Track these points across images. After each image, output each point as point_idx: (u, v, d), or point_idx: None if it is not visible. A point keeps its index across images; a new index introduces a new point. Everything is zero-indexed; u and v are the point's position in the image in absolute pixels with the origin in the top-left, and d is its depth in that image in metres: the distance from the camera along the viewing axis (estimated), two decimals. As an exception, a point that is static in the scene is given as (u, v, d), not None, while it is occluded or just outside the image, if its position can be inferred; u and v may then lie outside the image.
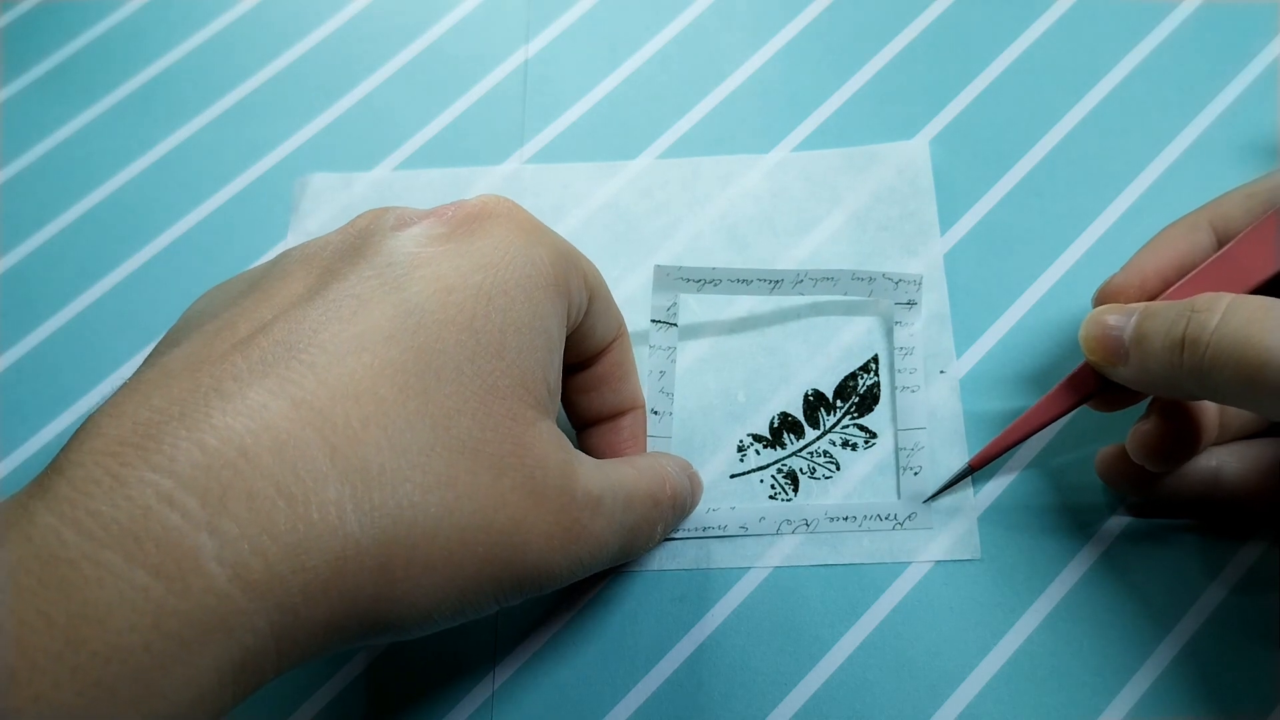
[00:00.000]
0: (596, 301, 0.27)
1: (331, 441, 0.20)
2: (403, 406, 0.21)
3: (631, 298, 0.35)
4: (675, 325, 0.33)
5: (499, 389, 0.22)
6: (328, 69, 0.41)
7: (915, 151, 0.36)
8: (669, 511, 0.28)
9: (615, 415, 0.30)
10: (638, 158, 0.37)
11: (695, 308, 0.34)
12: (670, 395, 0.33)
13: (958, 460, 0.31)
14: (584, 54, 0.40)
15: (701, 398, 0.33)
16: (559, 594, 0.31)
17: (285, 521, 0.19)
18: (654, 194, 0.37)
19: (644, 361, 0.33)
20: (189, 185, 0.39)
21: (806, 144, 0.37)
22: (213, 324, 0.22)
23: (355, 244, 0.24)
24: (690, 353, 0.34)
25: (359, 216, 0.25)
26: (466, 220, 0.24)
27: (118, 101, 0.41)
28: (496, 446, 0.22)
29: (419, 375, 0.21)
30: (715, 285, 0.32)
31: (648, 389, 0.32)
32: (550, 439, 0.24)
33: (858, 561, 0.31)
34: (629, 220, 0.36)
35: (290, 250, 0.25)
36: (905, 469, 0.31)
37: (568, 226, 0.36)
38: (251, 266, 0.27)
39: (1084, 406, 0.29)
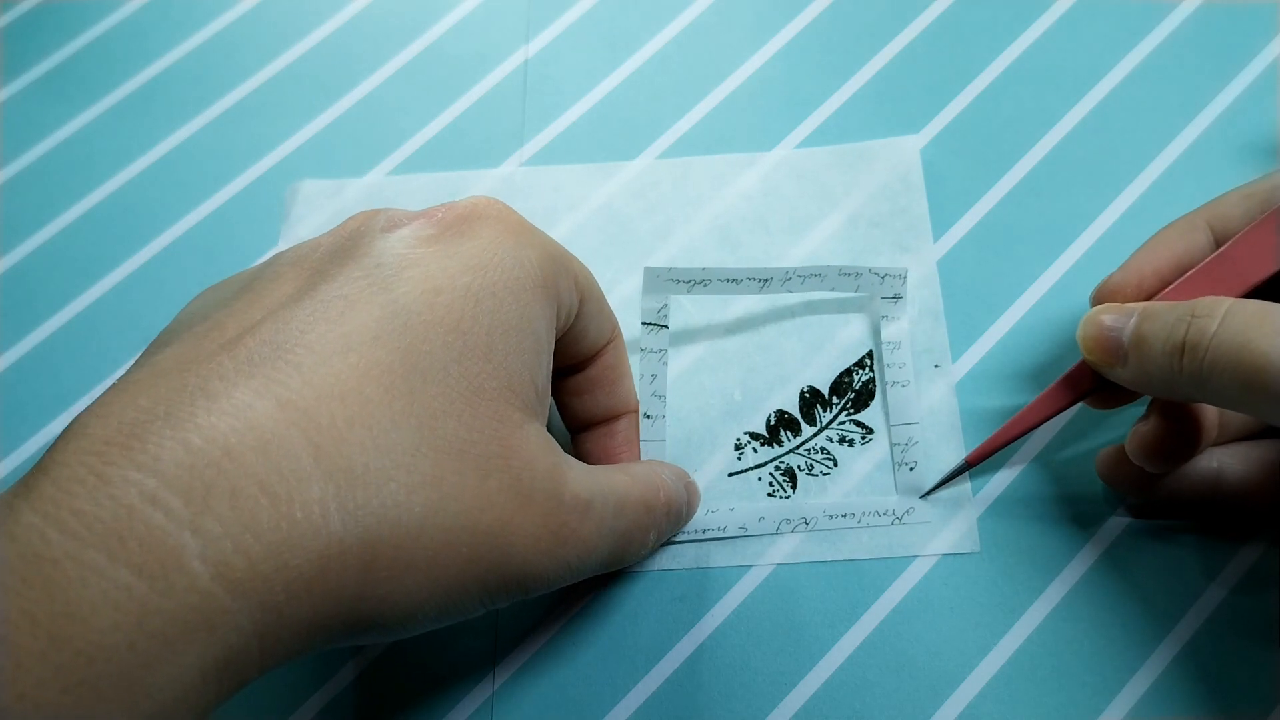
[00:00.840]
0: (588, 304, 0.27)
1: (316, 441, 0.20)
2: (388, 407, 0.21)
3: (627, 301, 0.35)
4: (666, 327, 0.33)
5: (486, 391, 0.22)
6: (328, 69, 0.41)
7: (905, 148, 0.36)
8: (663, 519, 0.28)
9: (609, 419, 0.30)
10: (637, 158, 0.38)
11: (690, 308, 0.34)
12: (663, 398, 0.33)
13: (954, 455, 0.31)
14: (584, 54, 0.40)
15: (698, 397, 0.33)
16: (558, 595, 0.31)
17: (268, 520, 0.19)
18: (646, 195, 0.37)
19: (636, 365, 0.33)
20: (189, 186, 0.39)
21: (806, 144, 0.37)
22: (203, 325, 0.22)
23: (345, 245, 0.24)
24: (686, 353, 0.34)
25: (350, 218, 0.25)
26: (456, 222, 0.24)
27: (118, 101, 0.41)
28: (483, 448, 0.22)
29: (405, 376, 0.21)
30: (705, 285, 0.32)
31: (640, 392, 0.32)
32: (538, 441, 0.24)
33: (857, 557, 0.31)
34: (621, 222, 0.36)
35: (283, 252, 0.25)
36: (900, 464, 0.31)
37: (561, 230, 0.36)
38: (246, 268, 0.27)
39: (1083, 404, 0.29)
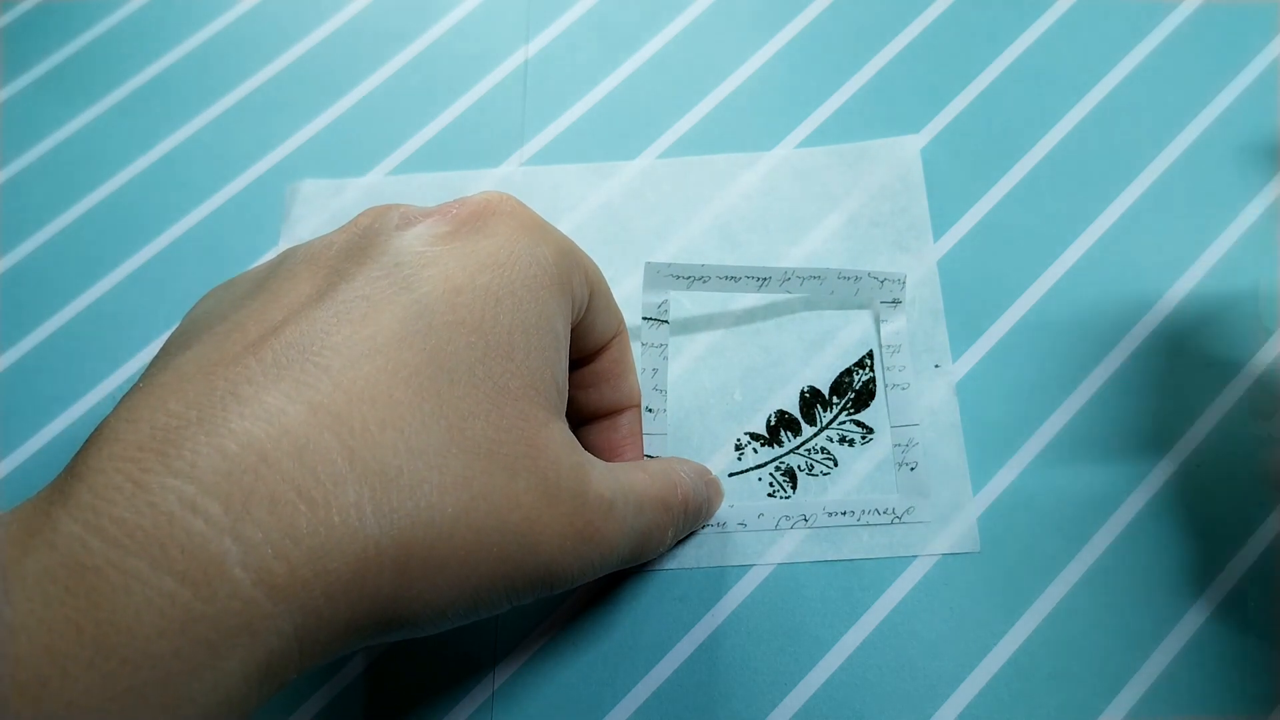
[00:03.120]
0: (597, 298, 0.27)
1: (349, 445, 0.20)
2: (418, 409, 0.21)
3: (627, 300, 0.35)
4: (667, 322, 0.33)
5: (510, 390, 0.23)
6: (328, 69, 0.41)
7: (905, 147, 0.36)
8: (680, 517, 0.28)
9: (613, 412, 0.30)
10: (638, 158, 0.38)
11: (690, 307, 0.35)
12: (664, 392, 0.33)
13: (954, 455, 0.31)
14: (584, 54, 0.40)
15: (698, 397, 0.33)
16: (559, 595, 0.31)
17: (307, 525, 0.19)
18: (646, 195, 0.37)
19: (637, 359, 0.33)
20: (189, 186, 0.39)
21: (806, 144, 0.37)
22: (222, 325, 0.22)
23: (360, 243, 0.24)
24: (687, 352, 0.34)
25: (361, 215, 0.25)
26: (471, 218, 0.24)
27: (118, 101, 0.41)
28: (510, 448, 0.22)
29: (432, 378, 0.21)
30: (704, 282, 0.33)
31: (641, 386, 0.32)
32: (562, 441, 0.24)
33: (857, 557, 0.31)
34: (621, 222, 0.36)
35: (294, 249, 0.25)
36: (901, 465, 0.32)
37: (561, 230, 0.36)
38: (254, 266, 0.26)
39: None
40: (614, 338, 0.29)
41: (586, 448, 0.30)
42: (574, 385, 0.30)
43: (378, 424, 0.20)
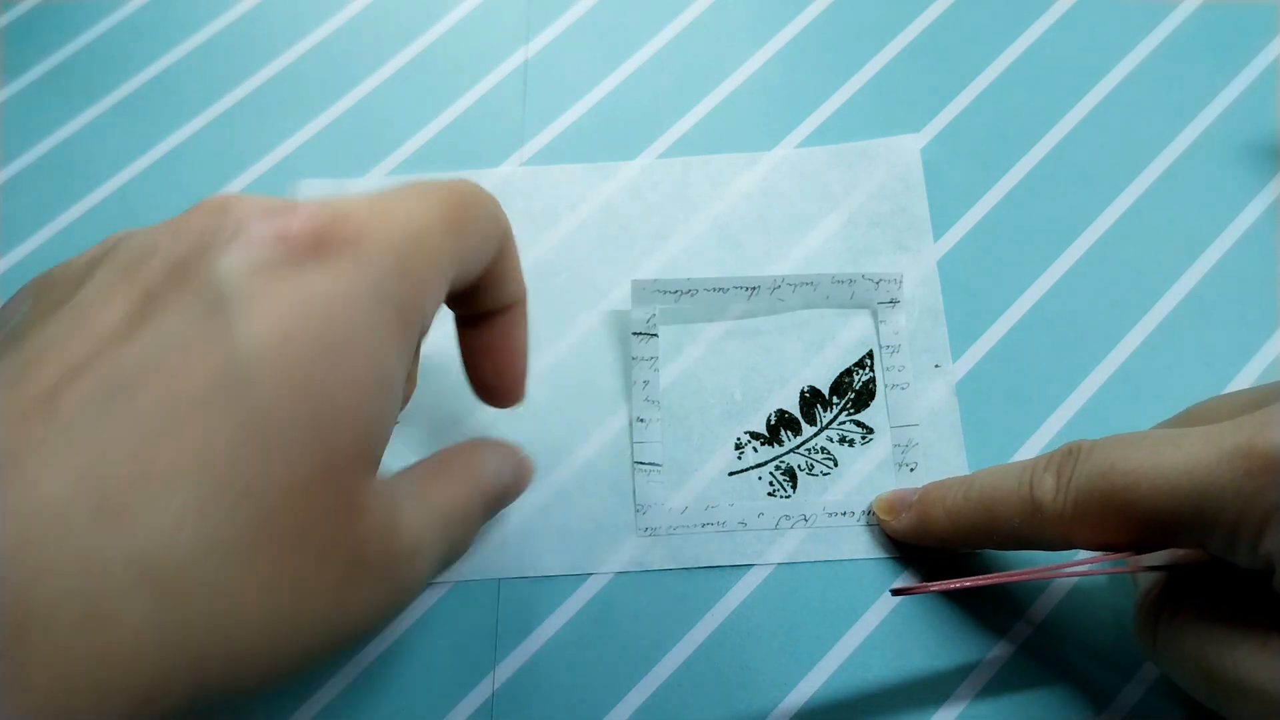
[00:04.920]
0: (503, 262, 0.26)
1: (141, 547, 0.18)
2: (223, 498, 0.19)
3: (627, 300, 0.35)
4: (656, 336, 0.33)
5: (335, 464, 0.20)
6: (328, 69, 0.41)
7: (905, 147, 0.36)
8: (483, 516, 0.27)
9: (494, 313, 0.28)
10: (638, 158, 0.38)
11: (690, 308, 0.35)
12: (656, 403, 0.33)
13: (954, 455, 0.31)
14: (584, 54, 0.40)
15: (698, 397, 0.33)
16: (559, 594, 0.31)
17: (86, 648, 0.17)
18: (646, 195, 0.37)
19: (629, 373, 0.33)
20: (189, 186, 0.39)
21: (806, 144, 0.37)
22: (19, 354, 0.20)
23: (185, 258, 0.21)
24: (686, 353, 0.34)
25: (200, 208, 0.22)
26: (310, 245, 0.21)
27: (118, 101, 0.41)
28: (324, 532, 0.20)
29: (246, 457, 0.19)
30: (692, 295, 0.33)
31: (633, 398, 0.32)
32: (378, 501, 0.22)
33: (857, 557, 0.31)
34: (621, 222, 0.36)
35: (116, 250, 0.22)
36: (901, 465, 0.32)
37: (561, 230, 0.36)
38: (85, 252, 0.23)
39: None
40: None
41: (463, 353, 0.28)
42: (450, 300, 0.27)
43: (176, 518, 0.18)
